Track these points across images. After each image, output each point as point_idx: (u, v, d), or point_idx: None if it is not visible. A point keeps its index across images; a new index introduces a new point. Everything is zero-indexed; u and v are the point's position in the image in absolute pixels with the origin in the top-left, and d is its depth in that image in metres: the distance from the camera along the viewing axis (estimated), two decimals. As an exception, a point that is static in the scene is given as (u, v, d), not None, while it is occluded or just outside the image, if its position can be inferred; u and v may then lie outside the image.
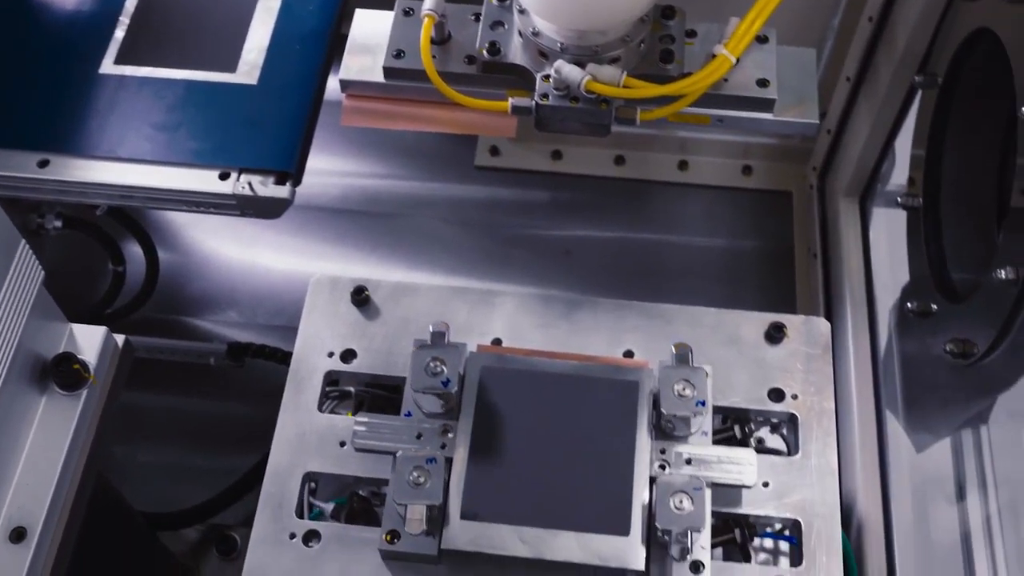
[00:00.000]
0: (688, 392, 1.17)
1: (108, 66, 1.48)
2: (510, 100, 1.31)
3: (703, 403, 1.17)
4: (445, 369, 1.18)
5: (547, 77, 1.29)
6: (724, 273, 2.17)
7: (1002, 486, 1.34)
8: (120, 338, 1.26)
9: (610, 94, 1.27)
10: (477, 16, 1.37)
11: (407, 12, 1.38)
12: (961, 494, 1.42)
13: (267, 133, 1.41)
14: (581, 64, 1.27)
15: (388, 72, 1.37)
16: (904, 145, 1.73)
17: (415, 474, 1.12)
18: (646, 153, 2.26)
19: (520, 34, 1.32)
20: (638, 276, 2.15)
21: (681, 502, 1.12)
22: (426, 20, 1.32)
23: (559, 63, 1.27)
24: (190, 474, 1.93)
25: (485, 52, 1.33)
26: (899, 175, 1.79)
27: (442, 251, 2.20)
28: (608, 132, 1.32)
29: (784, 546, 1.30)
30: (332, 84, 1.46)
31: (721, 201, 2.24)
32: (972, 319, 1.34)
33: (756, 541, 1.27)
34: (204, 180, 1.38)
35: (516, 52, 1.33)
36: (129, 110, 1.43)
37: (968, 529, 1.37)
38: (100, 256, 2.07)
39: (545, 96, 1.29)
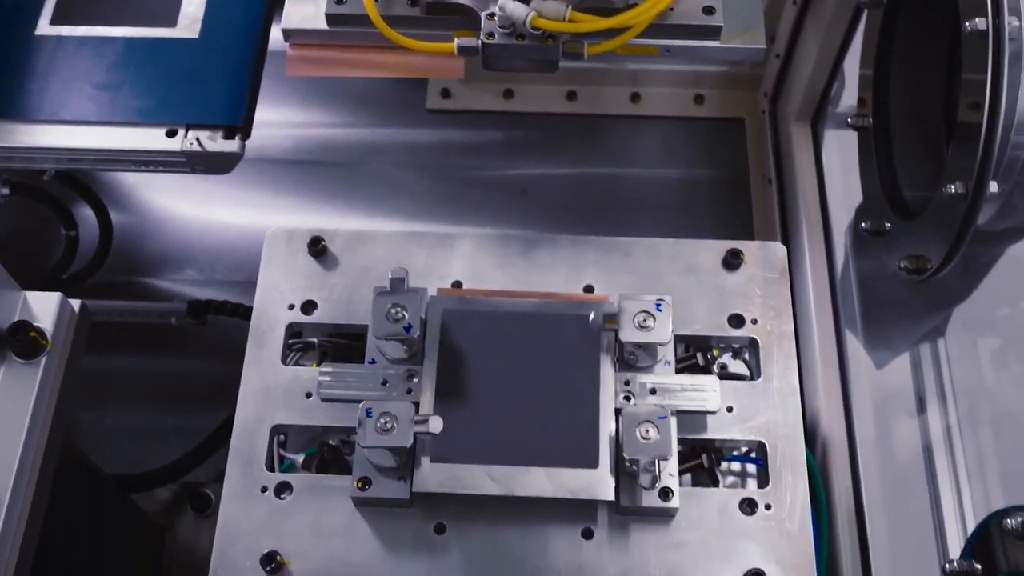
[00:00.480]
0: (649, 323, 1.18)
1: (44, 27, 1.44)
2: (456, 41, 1.29)
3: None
4: (406, 315, 1.18)
5: (492, 15, 1.28)
6: (680, 203, 2.17)
7: (961, 396, 1.37)
8: (76, 303, 1.24)
9: (556, 29, 1.26)
10: (418, -44, 1.35)
11: (347, -44, 1.36)
12: (921, 407, 1.45)
13: (212, 87, 1.38)
14: (525, 0, 1.26)
15: (331, 19, 1.35)
16: (852, 66, 1.74)
17: (382, 420, 1.13)
18: (597, 87, 2.25)
19: (462, -27, 1.30)
20: (595, 211, 2.16)
21: (647, 432, 1.13)
22: (366, -37, 1.30)
23: (503, 0, 1.26)
24: (159, 434, 1.93)
25: (428, -7, 1.31)
26: (849, 96, 1.80)
27: (398, 197, 2.19)
28: (556, 68, 1.32)
29: (751, 468, 1.32)
30: (276, 34, 1.44)
31: (674, 131, 2.24)
32: (925, 235, 1.36)
33: (723, 465, 1.30)
34: (151, 139, 1.36)
35: (459, -9, 1.31)
36: (69, 71, 1.41)
37: (929, 440, 1.40)
38: (51, 221, 2.05)
39: (491, 35, 1.28)
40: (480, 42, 1.28)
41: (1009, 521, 1.04)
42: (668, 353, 1.22)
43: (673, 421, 1.15)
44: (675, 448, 1.15)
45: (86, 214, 2.08)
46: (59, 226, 2.05)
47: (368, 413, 1.13)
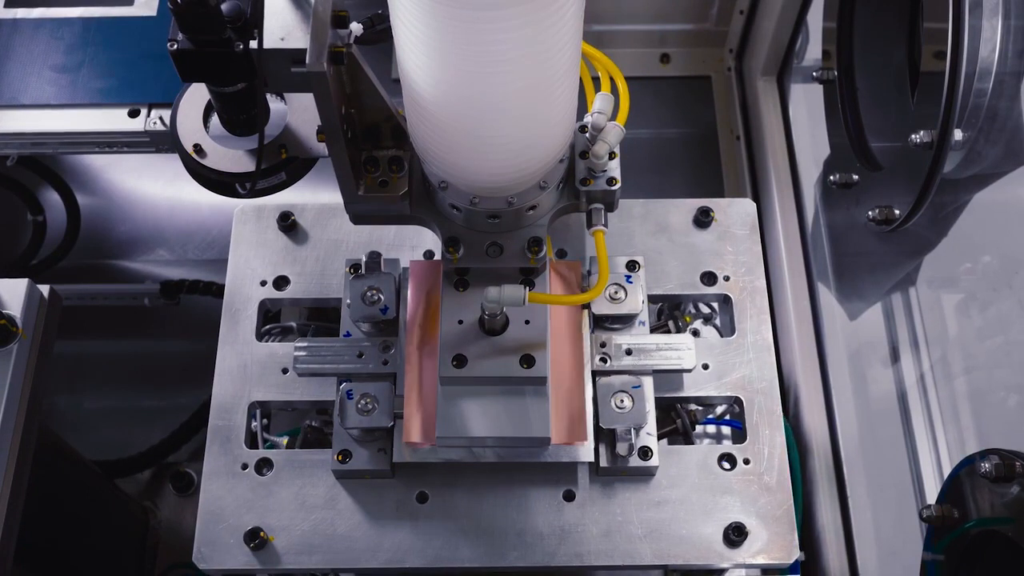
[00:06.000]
0: (620, 295, 1.19)
1: (-1, 11, 1.43)
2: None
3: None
4: (382, 297, 1.17)
5: None
6: (652, 162, 2.17)
7: (933, 343, 1.38)
8: (45, 288, 1.24)
9: None
10: None
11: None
12: (895, 356, 1.46)
13: (172, 65, 1.37)
14: None
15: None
16: (816, 20, 1.74)
17: (363, 402, 1.13)
18: (563, 50, 2.24)
19: None
20: (566, 174, 2.15)
21: (622, 401, 1.14)
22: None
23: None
24: (138, 416, 1.93)
25: None
26: (814, 50, 1.80)
27: (368, 168, 2.17)
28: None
29: (728, 430, 1.33)
30: (235, 8, 1.42)
31: (642, 91, 2.24)
32: (892, 186, 1.37)
33: (699, 428, 1.30)
34: (113, 119, 1.35)
35: None
36: (26, 54, 1.39)
37: (904, 388, 1.41)
38: (17, 207, 2.03)
39: None
40: None
41: (983, 464, 1.05)
42: (643, 314, 1.22)
43: (649, 382, 1.16)
44: (652, 410, 1.15)
45: (52, 198, 2.07)
46: (25, 212, 2.04)
47: (349, 395, 1.13)
